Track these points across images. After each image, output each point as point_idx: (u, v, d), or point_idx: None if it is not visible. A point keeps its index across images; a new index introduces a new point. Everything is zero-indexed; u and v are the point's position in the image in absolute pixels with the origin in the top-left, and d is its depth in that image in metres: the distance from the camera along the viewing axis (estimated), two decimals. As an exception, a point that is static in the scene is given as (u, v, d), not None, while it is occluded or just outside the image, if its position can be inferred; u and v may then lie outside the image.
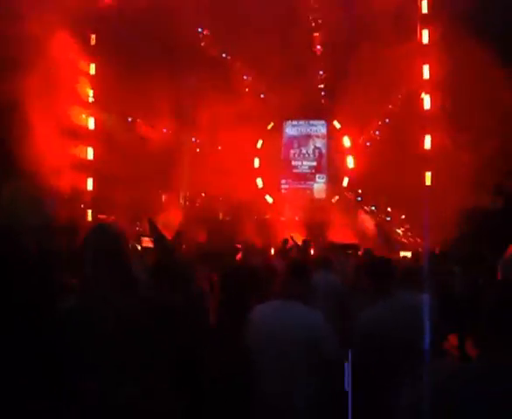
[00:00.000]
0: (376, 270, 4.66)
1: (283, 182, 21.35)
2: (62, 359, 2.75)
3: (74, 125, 15.62)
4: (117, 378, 2.78)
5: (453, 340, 6.68)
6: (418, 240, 16.32)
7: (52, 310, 2.96)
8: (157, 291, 4.36)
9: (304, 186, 21.12)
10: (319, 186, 20.94)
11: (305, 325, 4.05)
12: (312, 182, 21.01)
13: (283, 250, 11.33)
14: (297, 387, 4.01)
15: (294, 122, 21.60)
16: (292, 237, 13.11)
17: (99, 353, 2.77)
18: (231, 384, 3.97)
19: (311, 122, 21.37)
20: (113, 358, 2.80)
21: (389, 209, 18.80)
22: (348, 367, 4.29)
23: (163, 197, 19.23)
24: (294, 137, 21.65)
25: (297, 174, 21.29)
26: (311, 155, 21.36)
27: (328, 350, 4.04)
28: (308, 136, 21.41)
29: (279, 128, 21.34)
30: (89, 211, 16.36)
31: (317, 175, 21.05)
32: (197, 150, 20.36)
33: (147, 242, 6.73)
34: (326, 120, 20.92)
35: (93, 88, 16.49)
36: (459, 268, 8.40)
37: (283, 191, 21.22)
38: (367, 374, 4.09)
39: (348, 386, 4.30)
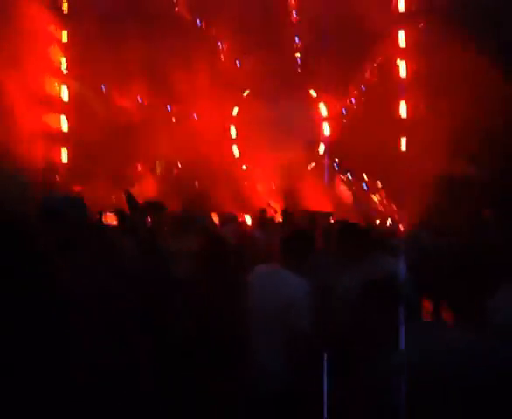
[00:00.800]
0: (348, 235, 4.69)
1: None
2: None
3: (47, 94, 15.37)
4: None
5: (427, 305, 6.74)
6: (394, 207, 16.42)
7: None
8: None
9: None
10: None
11: (283, 289, 4.10)
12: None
13: (261, 220, 11.32)
14: (272, 353, 4.06)
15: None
16: (269, 205, 13.15)
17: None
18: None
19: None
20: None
21: (365, 177, 18.85)
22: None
23: (139, 167, 19.06)
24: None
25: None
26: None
27: (300, 317, 4.07)
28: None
29: (255, 95, 21.17)
30: (64, 182, 16.18)
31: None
32: (173, 119, 20.17)
33: (110, 217, 6.65)
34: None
35: (65, 56, 16.21)
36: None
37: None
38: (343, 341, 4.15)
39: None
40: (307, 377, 4.14)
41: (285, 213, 11.71)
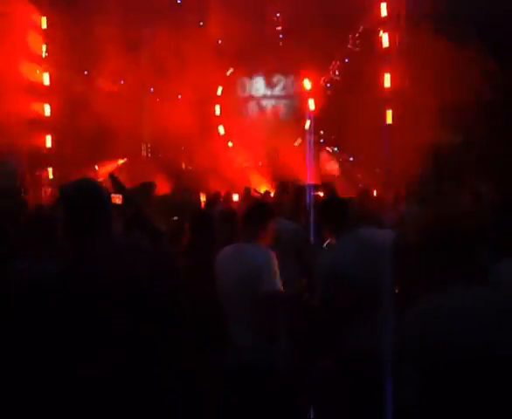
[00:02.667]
0: (334, 208, 4.69)
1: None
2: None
3: (29, 81, 15.27)
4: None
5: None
6: (382, 180, 16.45)
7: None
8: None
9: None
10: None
11: (250, 261, 4.14)
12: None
13: (247, 198, 11.36)
14: (245, 325, 4.11)
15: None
16: (254, 190, 13.20)
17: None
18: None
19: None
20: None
21: (351, 151, 18.90)
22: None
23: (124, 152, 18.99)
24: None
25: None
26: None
27: (267, 283, 4.10)
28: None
29: (238, 74, 21.09)
30: (50, 169, 16.14)
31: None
32: (157, 100, 20.09)
33: (115, 198, 6.65)
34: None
35: (46, 43, 16.07)
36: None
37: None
38: (332, 312, 4.20)
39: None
40: (283, 349, 4.21)
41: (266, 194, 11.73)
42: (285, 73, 20.88)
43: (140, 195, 7.55)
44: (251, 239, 4.30)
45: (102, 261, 2.90)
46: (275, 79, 21.10)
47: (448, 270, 2.42)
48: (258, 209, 4.62)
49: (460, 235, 2.42)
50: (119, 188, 6.25)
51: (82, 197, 2.98)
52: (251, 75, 21.12)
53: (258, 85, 21.29)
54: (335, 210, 4.58)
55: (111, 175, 6.33)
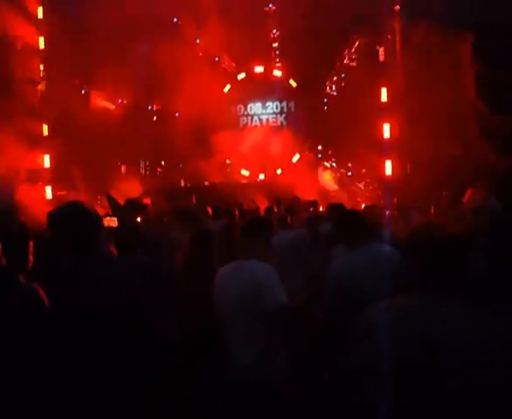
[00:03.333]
0: (347, 221, 4.69)
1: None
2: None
3: (27, 101, 15.32)
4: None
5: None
6: (380, 193, 16.47)
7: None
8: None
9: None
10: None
11: (250, 277, 4.10)
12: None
13: (243, 213, 11.33)
14: (245, 343, 4.08)
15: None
16: (253, 201, 13.16)
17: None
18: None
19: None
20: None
21: (349, 165, 18.93)
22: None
23: (123, 168, 19.05)
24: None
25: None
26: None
27: (271, 298, 4.07)
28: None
29: (235, 89, 21.15)
30: (48, 188, 16.14)
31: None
32: (154, 118, 20.16)
33: (110, 221, 6.67)
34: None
35: (43, 62, 16.14)
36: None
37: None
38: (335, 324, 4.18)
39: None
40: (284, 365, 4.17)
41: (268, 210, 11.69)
42: (281, 99, 20.96)
43: (127, 212, 7.56)
44: (250, 255, 4.26)
45: (93, 281, 2.94)
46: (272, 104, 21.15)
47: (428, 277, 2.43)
48: (256, 223, 4.58)
49: (445, 242, 2.41)
50: (115, 206, 6.27)
51: (69, 221, 3.06)
52: (247, 101, 21.18)
53: (255, 107, 21.34)
54: (354, 223, 4.58)
55: (107, 196, 6.35)
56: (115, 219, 6.67)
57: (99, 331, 2.87)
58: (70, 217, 3.13)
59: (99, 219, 3.30)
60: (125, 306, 2.98)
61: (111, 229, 5.86)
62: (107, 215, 7.62)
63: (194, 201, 13.12)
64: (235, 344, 4.09)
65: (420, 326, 2.29)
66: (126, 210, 6.86)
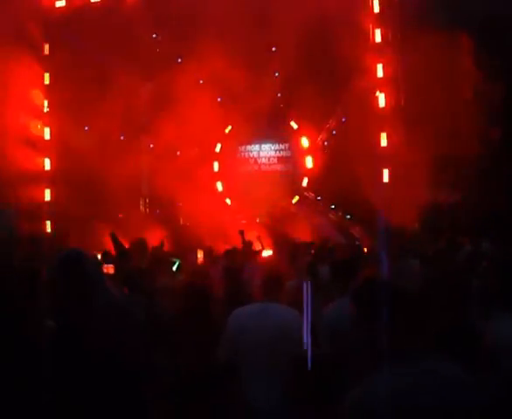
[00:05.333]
0: (341, 269, 4.76)
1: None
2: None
3: (30, 135, 15.45)
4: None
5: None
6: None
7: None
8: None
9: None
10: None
11: (282, 321, 4.15)
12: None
13: (248, 252, 11.37)
14: (277, 382, 4.08)
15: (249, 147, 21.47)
16: (259, 238, 13.25)
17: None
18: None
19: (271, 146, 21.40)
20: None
21: (348, 207, 19.00)
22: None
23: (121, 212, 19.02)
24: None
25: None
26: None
27: (298, 343, 4.14)
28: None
29: (237, 132, 21.29)
30: (48, 222, 16.17)
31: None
32: (155, 156, 20.25)
33: (107, 268, 6.72)
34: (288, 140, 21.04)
35: (47, 98, 16.32)
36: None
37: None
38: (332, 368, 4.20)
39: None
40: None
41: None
42: (281, 141, 21.09)
43: (137, 251, 7.63)
44: (272, 298, 4.32)
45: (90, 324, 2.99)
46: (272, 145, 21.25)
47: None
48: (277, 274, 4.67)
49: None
50: (118, 247, 6.33)
51: (68, 269, 3.12)
52: (248, 143, 21.29)
53: (255, 148, 21.43)
54: (346, 271, 4.66)
55: (112, 234, 6.40)
56: (112, 266, 6.73)
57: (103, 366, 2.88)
58: (70, 263, 3.19)
59: (95, 265, 3.38)
60: (127, 342, 3.00)
61: (108, 275, 5.90)
62: (105, 261, 7.72)
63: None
64: (256, 386, 4.07)
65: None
66: (137, 250, 6.94)
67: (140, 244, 8.48)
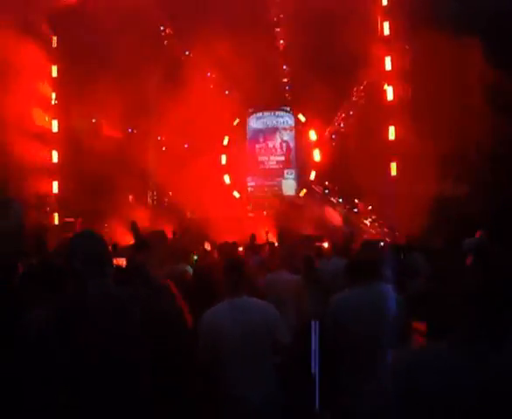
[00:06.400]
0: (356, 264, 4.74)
1: (249, 179, 21.23)
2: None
3: (38, 128, 15.49)
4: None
5: (421, 326, 6.73)
6: (386, 230, 16.50)
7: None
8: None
9: (272, 183, 21.05)
10: (288, 182, 20.88)
11: (261, 315, 4.15)
12: (280, 179, 20.96)
13: (252, 246, 11.34)
14: (260, 375, 4.09)
15: (259, 114, 21.20)
16: (267, 232, 13.25)
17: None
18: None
19: (277, 114, 21.04)
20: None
21: (356, 201, 18.96)
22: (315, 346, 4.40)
23: (130, 197, 19.09)
24: (260, 130, 21.28)
25: (264, 170, 21.14)
26: (278, 150, 21.18)
27: (282, 334, 4.14)
28: (275, 129, 21.11)
29: (244, 123, 21.29)
30: (55, 215, 16.23)
31: (286, 170, 20.96)
32: (163, 149, 20.27)
33: (119, 261, 6.71)
34: (292, 111, 20.82)
35: (55, 90, 16.36)
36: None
37: (250, 189, 21.10)
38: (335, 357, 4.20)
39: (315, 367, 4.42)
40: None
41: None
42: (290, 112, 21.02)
43: (158, 242, 7.63)
44: (239, 294, 4.30)
45: (96, 305, 2.98)
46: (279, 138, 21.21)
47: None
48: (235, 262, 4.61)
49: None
50: (138, 237, 6.31)
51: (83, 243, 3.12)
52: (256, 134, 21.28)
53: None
54: (357, 266, 4.63)
55: (132, 224, 6.37)
56: (124, 259, 6.71)
57: (99, 359, 2.87)
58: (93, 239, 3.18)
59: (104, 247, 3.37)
60: (124, 334, 2.99)
61: (119, 268, 5.89)
62: (115, 255, 7.72)
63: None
64: (240, 383, 4.06)
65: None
66: (157, 241, 6.94)
67: (160, 236, 8.48)
